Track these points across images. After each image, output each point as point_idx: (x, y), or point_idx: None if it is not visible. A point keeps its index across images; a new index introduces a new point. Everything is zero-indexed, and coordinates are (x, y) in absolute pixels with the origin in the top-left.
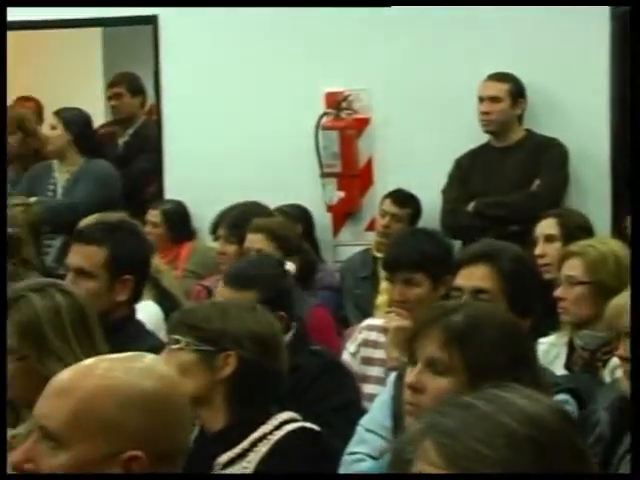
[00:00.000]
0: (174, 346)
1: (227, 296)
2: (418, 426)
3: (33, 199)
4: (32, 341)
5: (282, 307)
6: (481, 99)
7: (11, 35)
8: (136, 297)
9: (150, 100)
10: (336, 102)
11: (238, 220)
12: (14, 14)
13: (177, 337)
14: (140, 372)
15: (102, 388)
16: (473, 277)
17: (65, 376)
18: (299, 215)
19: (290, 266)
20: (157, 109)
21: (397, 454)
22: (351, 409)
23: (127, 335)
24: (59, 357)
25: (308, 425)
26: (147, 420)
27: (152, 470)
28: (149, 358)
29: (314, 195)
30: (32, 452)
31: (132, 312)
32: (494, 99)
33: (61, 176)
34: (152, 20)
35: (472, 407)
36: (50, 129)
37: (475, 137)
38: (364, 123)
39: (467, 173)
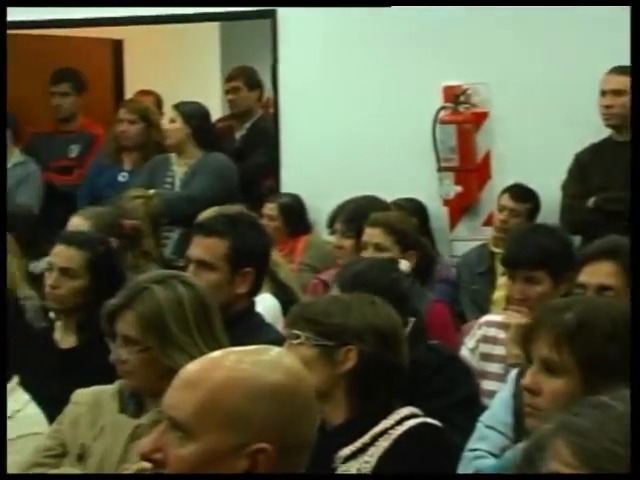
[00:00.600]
0: (294, 341)
1: None
2: (549, 426)
3: (152, 191)
4: (155, 332)
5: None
6: (603, 92)
7: (129, 30)
8: (256, 290)
9: (267, 94)
10: (454, 96)
11: (355, 214)
12: (135, 10)
13: (297, 332)
14: (268, 364)
15: (230, 380)
16: (598, 274)
17: (193, 368)
18: (415, 209)
19: (404, 265)
20: (274, 103)
21: (527, 454)
22: (471, 404)
23: (247, 327)
24: (182, 348)
25: (429, 421)
26: (274, 412)
27: (278, 462)
28: (276, 351)
29: (431, 189)
30: (161, 442)
31: (252, 305)
32: (617, 92)
33: (179, 169)
34: (270, 14)
35: (606, 407)
36: (169, 122)
37: (596, 131)
38: (482, 117)
39: (587, 168)
